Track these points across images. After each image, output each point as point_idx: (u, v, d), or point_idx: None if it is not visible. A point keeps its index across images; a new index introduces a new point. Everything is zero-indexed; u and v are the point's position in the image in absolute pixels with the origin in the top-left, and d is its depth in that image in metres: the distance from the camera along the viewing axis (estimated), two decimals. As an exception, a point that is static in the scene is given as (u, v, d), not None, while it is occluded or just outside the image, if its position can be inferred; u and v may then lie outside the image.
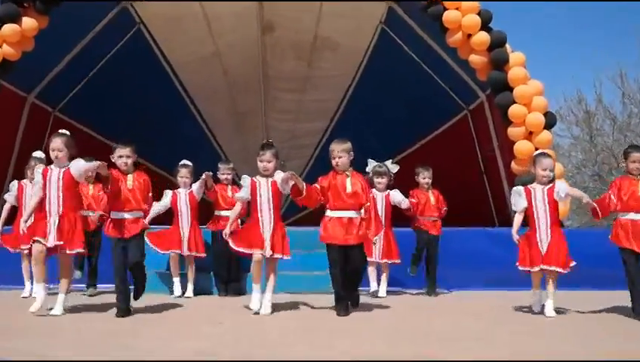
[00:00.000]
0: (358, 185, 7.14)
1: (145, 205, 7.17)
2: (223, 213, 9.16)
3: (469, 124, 13.98)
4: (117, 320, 6.68)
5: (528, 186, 7.40)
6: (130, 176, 7.13)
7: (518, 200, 7.39)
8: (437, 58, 12.77)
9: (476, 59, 11.01)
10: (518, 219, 7.42)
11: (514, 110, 10.79)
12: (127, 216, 7.04)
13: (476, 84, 12.76)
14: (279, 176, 7.24)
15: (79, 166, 6.97)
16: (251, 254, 7.13)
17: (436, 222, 9.45)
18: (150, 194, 7.25)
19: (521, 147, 10.76)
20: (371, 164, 9.09)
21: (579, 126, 25.73)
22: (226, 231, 7.23)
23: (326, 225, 7.11)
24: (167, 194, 9.20)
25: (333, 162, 7.18)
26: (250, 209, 7.39)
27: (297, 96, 14.79)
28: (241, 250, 7.11)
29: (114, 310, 7.02)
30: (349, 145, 7.17)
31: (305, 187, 7.08)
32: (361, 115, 14.66)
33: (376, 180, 9.01)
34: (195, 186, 9.15)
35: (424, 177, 9.54)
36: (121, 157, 7.17)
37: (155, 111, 14.20)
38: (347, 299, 7.13)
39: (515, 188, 7.53)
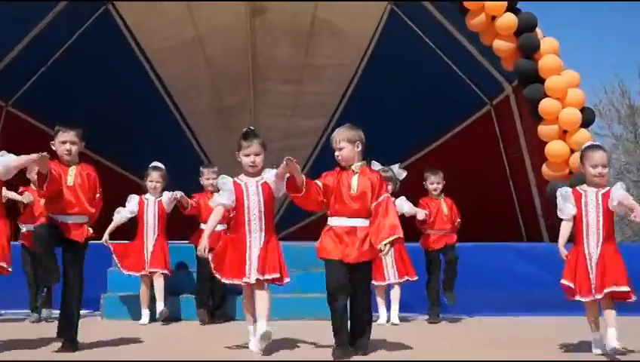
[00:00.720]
0: (368, 185, 6.41)
1: (90, 207, 6.61)
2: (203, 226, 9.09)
3: (492, 122, 13.97)
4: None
5: (578, 188, 6.88)
6: (71, 170, 6.59)
7: (564, 205, 6.87)
8: (455, 44, 12.76)
9: (502, 46, 10.99)
10: (565, 229, 6.88)
11: (545, 105, 10.76)
12: (67, 220, 6.52)
13: (501, 74, 12.76)
14: (270, 174, 6.63)
15: (5, 160, 6.35)
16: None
17: (449, 235, 9.39)
18: (98, 195, 6.70)
19: (554, 148, 10.74)
20: (375, 168, 9.00)
21: (621, 123, 25.72)
22: (202, 245, 6.57)
23: (322, 236, 6.45)
24: (133, 199, 9.14)
25: (335, 155, 6.53)
26: (234, 219, 6.79)
27: (292, 88, 14.76)
28: (230, 281, 6.57)
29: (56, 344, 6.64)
30: (354, 133, 6.49)
31: (305, 181, 6.41)
32: (366, 111, 14.58)
33: None
34: (165, 198, 9.09)
35: (432, 182, 9.50)
36: (63, 143, 6.60)
37: (125, 105, 14.15)
38: (349, 346, 6.37)
39: (561, 189, 7.00)
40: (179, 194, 9.05)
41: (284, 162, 6.35)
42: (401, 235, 6.33)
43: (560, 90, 10.74)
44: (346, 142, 6.47)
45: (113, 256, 9.01)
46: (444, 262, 9.30)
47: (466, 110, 14.33)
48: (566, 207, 6.86)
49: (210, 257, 6.61)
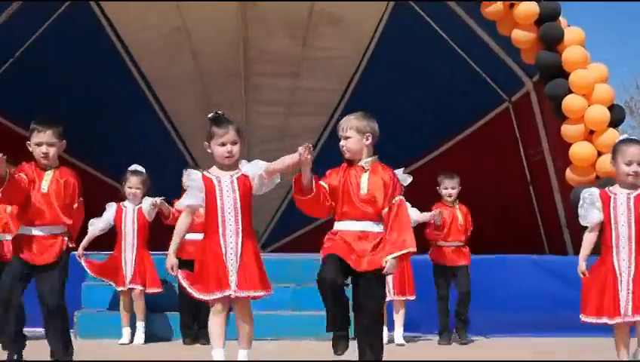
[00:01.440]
0: (380, 185, 5.95)
1: (67, 218, 6.33)
2: (191, 236, 9.06)
3: (510, 121, 13.96)
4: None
5: (606, 190, 6.43)
6: (47, 175, 6.34)
7: (589, 210, 6.41)
8: (470, 34, 12.76)
9: (521, 36, 11.00)
10: (588, 240, 6.49)
11: (570, 102, 10.77)
12: (38, 232, 6.29)
13: (521, 68, 12.74)
14: (255, 167, 6.20)
15: None
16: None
17: (463, 248, 9.37)
18: (76, 205, 6.40)
19: (579, 150, 10.74)
20: None
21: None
22: (169, 262, 6.13)
23: (327, 241, 6.01)
24: (110, 208, 9.14)
25: (340, 145, 6.10)
26: (205, 222, 6.20)
27: (288, 83, 14.76)
28: (205, 297, 6.01)
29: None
30: (366, 122, 6.09)
31: (313, 181, 5.95)
32: (369, 109, 14.48)
33: None
34: (145, 206, 9.09)
35: (446, 187, 9.48)
36: (39, 145, 6.31)
37: (103, 103, 14.17)
38: (345, 336, 5.98)
39: (585, 191, 6.54)
40: (159, 200, 9.03)
41: (301, 150, 5.81)
42: (413, 248, 5.90)
43: (586, 86, 10.74)
44: (353, 131, 6.03)
45: (91, 274, 9.01)
46: (456, 292, 9.29)
47: (482, 108, 14.31)
48: (590, 213, 6.41)
49: (180, 275, 6.11)
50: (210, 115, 6.34)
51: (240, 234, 6.04)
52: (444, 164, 14.31)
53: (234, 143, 6.18)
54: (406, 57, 13.72)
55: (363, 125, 6.06)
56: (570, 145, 10.85)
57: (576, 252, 11.82)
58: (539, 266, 10.25)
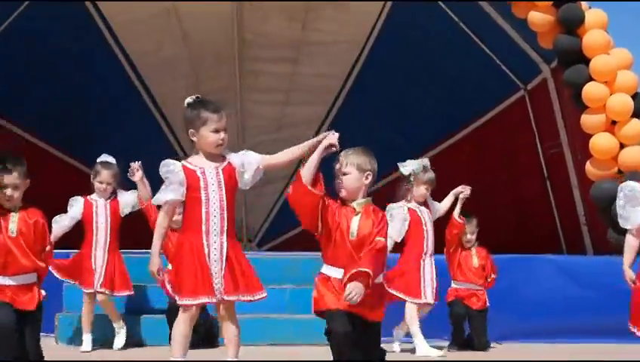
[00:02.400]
0: (369, 227, 5.73)
1: (40, 262, 6.18)
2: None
3: (526, 110, 13.98)
4: None
5: None
6: (13, 217, 6.15)
7: (632, 209, 6.12)
8: (483, 17, 12.77)
9: (538, 19, 10.99)
10: (631, 244, 6.24)
11: (590, 90, 10.76)
12: (9, 282, 6.07)
13: (538, 53, 12.76)
14: (237, 158, 6.08)
15: None
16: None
17: (478, 292, 9.40)
18: (48, 248, 6.26)
19: (600, 142, 10.73)
20: (405, 168, 8.99)
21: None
22: (153, 265, 5.97)
23: (319, 285, 5.78)
24: (77, 202, 8.97)
25: (336, 181, 5.85)
26: (186, 219, 6.03)
27: (286, 69, 14.75)
28: (192, 302, 5.83)
29: None
30: (367, 159, 5.84)
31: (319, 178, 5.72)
32: (374, 98, 14.66)
33: (424, 191, 8.96)
34: (130, 198, 8.95)
35: (473, 231, 9.49)
36: (4, 187, 6.10)
37: (86, 89, 14.15)
38: None
39: (624, 186, 6.18)
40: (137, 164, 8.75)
41: (331, 136, 5.69)
42: (368, 270, 5.52)
43: (608, 73, 10.73)
44: (353, 168, 5.76)
45: (56, 274, 8.83)
46: (469, 326, 9.36)
47: (496, 96, 14.31)
48: (634, 213, 6.11)
49: (166, 277, 6.05)
50: (193, 99, 6.14)
51: (225, 233, 5.88)
52: (456, 157, 14.36)
53: (225, 131, 6.06)
54: (413, 41, 13.69)
55: (364, 162, 5.81)
56: (590, 136, 10.84)
57: (597, 252, 11.98)
58: (556, 267, 10.24)
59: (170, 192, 5.86)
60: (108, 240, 8.90)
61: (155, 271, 5.94)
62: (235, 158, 6.06)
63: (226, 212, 5.89)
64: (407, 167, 8.88)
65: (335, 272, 5.69)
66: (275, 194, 15.49)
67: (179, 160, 6.03)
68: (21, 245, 6.08)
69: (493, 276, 9.41)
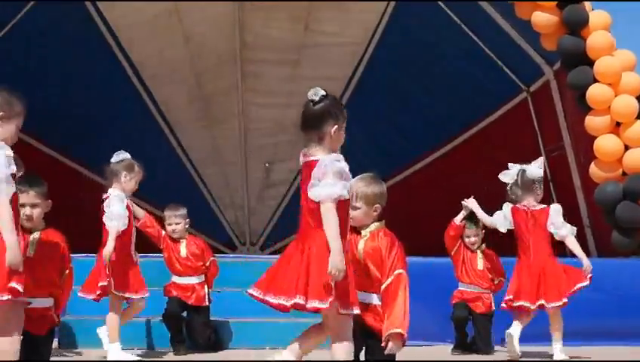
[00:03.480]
0: (373, 253, 5.88)
1: (57, 287, 6.19)
2: (176, 278, 9.28)
3: (529, 112, 13.97)
4: None
5: None
6: (33, 238, 6.11)
7: None
8: (485, 19, 12.78)
9: (541, 20, 10.99)
10: None
11: (595, 92, 10.75)
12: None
13: (540, 55, 12.75)
14: None
15: None
16: None
17: (483, 294, 9.38)
18: (67, 271, 6.26)
19: (605, 144, 10.72)
20: (508, 175, 9.10)
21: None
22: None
23: None
24: (122, 201, 8.55)
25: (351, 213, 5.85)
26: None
27: (288, 71, 14.71)
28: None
29: None
30: (375, 192, 5.98)
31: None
32: (377, 101, 14.64)
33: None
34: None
35: (468, 236, 9.46)
36: (22, 206, 5.92)
37: (86, 92, 14.13)
38: None
39: None
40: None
41: None
42: (403, 332, 5.61)
43: (612, 74, 10.73)
44: (362, 203, 5.91)
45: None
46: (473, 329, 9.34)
47: (497, 99, 14.30)
48: None
49: None
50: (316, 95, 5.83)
51: None
52: (458, 159, 14.32)
53: None
54: (415, 44, 13.69)
55: (372, 195, 5.93)
56: (594, 138, 10.83)
57: (600, 254, 11.91)
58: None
59: (344, 189, 5.51)
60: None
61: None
62: None
63: None
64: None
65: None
66: (277, 198, 15.47)
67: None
68: (39, 267, 5.98)
69: (501, 279, 9.36)
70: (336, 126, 5.64)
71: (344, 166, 5.51)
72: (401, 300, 5.68)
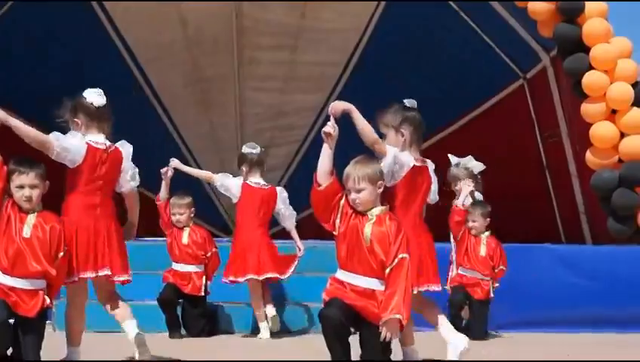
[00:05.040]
0: (382, 237, 5.85)
1: (51, 268, 6.16)
2: (175, 265, 9.35)
3: (525, 99, 13.98)
4: None
5: None
6: (30, 219, 6.21)
7: None
8: (482, 5, 12.71)
9: (538, 7, 10.97)
10: None
11: (590, 79, 10.73)
12: (14, 283, 6.09)
13: (537, 42, 12.73)
14: None
15: None
16: None
17: (482, 281, 9.34)
18: (62, 254, 6.26)
19: (600, 131, 10.71)
20: (453, 162, 9.11)
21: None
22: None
23: (331, 284, 5.99)
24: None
25: (352, 198, 5.92)
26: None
27: (285, 57, 14.70)
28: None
29: None
30: (375, 169, 5.96)
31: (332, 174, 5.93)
32: (373, 86, 14.58)
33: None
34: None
35: (474, 220, 9.40)
36: (21, 187, 6.19)
37: (83, 77, 14.04)
38: None
39: None
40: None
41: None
42: (403, 317, 5.66)
43: (608, 61, 10.70)
44: (366, 183, 5.85)
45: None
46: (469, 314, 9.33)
47: (494, 85, 14.31)
48: None
49: None
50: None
51: None
52: (454, 146, 14.26)
53: None
54: (412, 30, 13.67)
55: (374, 174, 5.91)
56: (590, 125, 10.82)
57: (595, 241, 11.94)
58: (554, 256, 10.21)
59: None
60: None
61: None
62: None
63: None
64: None
65: (347, 277, 5.82)
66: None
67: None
68: (33, 247, 6.09)
69: (502, 267, 9.34)
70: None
71: None
72: (403, 286, 5.70)
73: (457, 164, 9.21)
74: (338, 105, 6.29)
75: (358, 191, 5.83)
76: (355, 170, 5.86)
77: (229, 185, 9.25)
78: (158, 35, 14.23)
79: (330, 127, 5.89)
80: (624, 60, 10.79)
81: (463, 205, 9.28)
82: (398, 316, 5.63)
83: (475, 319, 9.21)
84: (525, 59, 13.54)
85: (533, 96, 13.82)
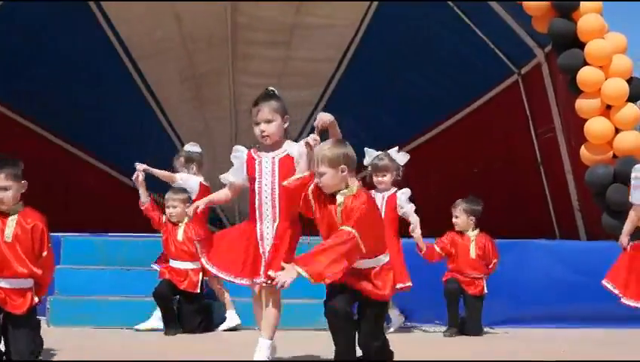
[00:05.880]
0: (349, 213, 5.85)
1: (37, 269, 6.08)
2: (172, 262, 9.27)
3: (519, 95, 13.96)
4: None
5: None
6: (10, 221, 6.06)
7: None
8: (477, 1, 12.69)
9: (533, 2, 10.93)
10: (633, 217, 7.01)
11: (585, 74, 10.74)
12: (3, 284, 6.01)
13: (532, 37, 12.72)
14: (295, 148, 6.40)
15: None
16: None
17: (476, 280, 9.29)
18: (46, 253, 6.14)
19: (595, 127, 10.71)
20: (369, 156, 8.97)
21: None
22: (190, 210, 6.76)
23: None
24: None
25: (315, 181, 6.02)
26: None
27: (279, 53, 14.69)
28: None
29: None
30: (337, 152, 5.89)
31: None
32: (367, 82, 14.62)
33: (375, 178, 8.91)
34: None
35: (456, 215, 9.32)
36: None
37: (77, 73, 14.08)
38: None
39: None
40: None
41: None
42: (308, 275, 5.57)
43: (603, 57, 10.70)
44: (326, 166, 5.85)
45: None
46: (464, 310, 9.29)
47: (488, 81, 14.30)
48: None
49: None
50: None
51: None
52: (448, 141, 14.33)
53: (268, 122, 6.65)
54: (407, 25, 13.65)
55: (336, 156, 5.86)
56: (585, 121, 10.82)
57: (590, 237, 11.95)
58: (549, 252, 10.22)
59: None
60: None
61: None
62: (289, 148, 6.50)
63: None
64: None
65: None
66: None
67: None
68: (16, 251, 5.99)
69: (495, 262, 9.28)
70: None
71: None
72: (335, 254, 5.61)
73: (386, 155, 9.02)
74: (325, 118, 6.22)
75: (320, 174, 5.87)
76: (317, 152, 5.93)
77: (189, 179, 9.36)
78: (152, 31, 14.21)
79: (312, 140, 6.01)
80: (619, 56, 10.79)
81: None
82: (305, 272, 5.57)
83: (470, 314, 9.19)
84: (520, 55, 13.52)
85: (527, 92, 13.81)
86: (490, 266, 9.29)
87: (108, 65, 14.50)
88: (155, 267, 9.23)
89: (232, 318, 9.17)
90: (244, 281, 6.39)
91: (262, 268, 6.32)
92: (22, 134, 14.28)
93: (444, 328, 9.22)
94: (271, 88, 6.78)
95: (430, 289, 9.28)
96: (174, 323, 9.10)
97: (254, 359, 6.40)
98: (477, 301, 9.18)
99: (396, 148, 9.11)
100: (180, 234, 9.23)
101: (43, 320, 9.03)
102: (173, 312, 9.15)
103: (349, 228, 5.66)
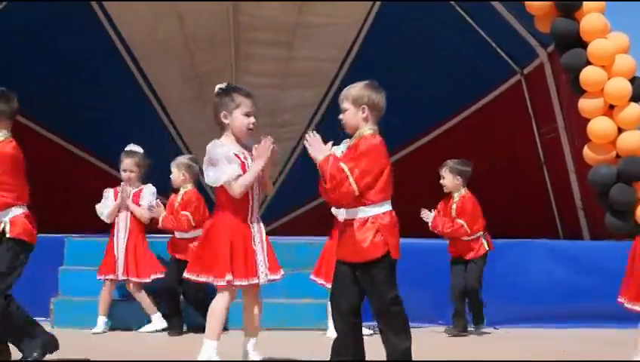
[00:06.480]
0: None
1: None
2: (179, 234, 9.25)
3: (523, 94, 13.95)
4: None
5: None
6: None
7: None
8: (479, 1, 12.68)
9: (535, 3, 10.91)
10: None
11: (588, 74, 10.70)
12: None
13: (534, 37, 12.71)
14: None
15: None
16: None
17: (472, 242, 9.28)
18: None
19: (598, 126, 10.68)
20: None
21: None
22: None
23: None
24: (108, 195, 9.29)
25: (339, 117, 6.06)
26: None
27: (282, 52, 14.73)
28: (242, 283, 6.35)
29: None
30: (364, 93, 5.91)
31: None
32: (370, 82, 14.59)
33: None
34: (144, 203, 9.27)
35: (443, 176, 9.40)
36: None
37: (79, 72, 14.11)
38: None
39: None
40: (156, 203, 9.21)
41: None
42: (320, 158, 5.74)
43: (606, 57, 10.67)
44: (349, 103, 5.88)
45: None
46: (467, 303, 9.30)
47: (491, 81, 14.30)
48: None
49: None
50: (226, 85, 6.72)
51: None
52: (451, 141, 14.34)
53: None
54: (410, 25, 13.67)
55: (360, 96, 5.86)
56: (588, 121, 10.81)
57: (593, 237, 11.96)
58: (552, 252, 10.24)
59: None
60: (127, 227, 9.15)
61: None
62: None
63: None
64: None
65: (340, 214, 6.30)
66: (272, 179, 15.47)
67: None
68: None
69: (460, 222, 9.16)
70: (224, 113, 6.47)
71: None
72: (328, 161, 5.70)
73: None
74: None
75: (343, 111, 5.90)
76: (345, 90, 5.98)
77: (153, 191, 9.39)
78: (154, 31, 14.23)
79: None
80: (622, 56, 10.77)
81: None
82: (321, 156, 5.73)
83: (469, 274, 9.13)
84: (522, 55, 13.51)
85: (530, 92, 13.81)
86: (463, 226, 9.18)
87: (110, 65, 14.53)
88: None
89: (157, 321, 9.17)
90: (243, 282, 6.34)
91: (260, 269, 6.35)
92: (22, 134, 14.28)
93: (444, 328, 9.27)
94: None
95: (430, 290, 9.32)
96: (178, 320, 9.07)
97: (254, 359, 6.40)
98: (477, 261, 9.18)
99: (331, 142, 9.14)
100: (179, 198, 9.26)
101: (47, 321, 9.17)
102: (179, 310, 9.13)
103: (343, 167, 5.69)
